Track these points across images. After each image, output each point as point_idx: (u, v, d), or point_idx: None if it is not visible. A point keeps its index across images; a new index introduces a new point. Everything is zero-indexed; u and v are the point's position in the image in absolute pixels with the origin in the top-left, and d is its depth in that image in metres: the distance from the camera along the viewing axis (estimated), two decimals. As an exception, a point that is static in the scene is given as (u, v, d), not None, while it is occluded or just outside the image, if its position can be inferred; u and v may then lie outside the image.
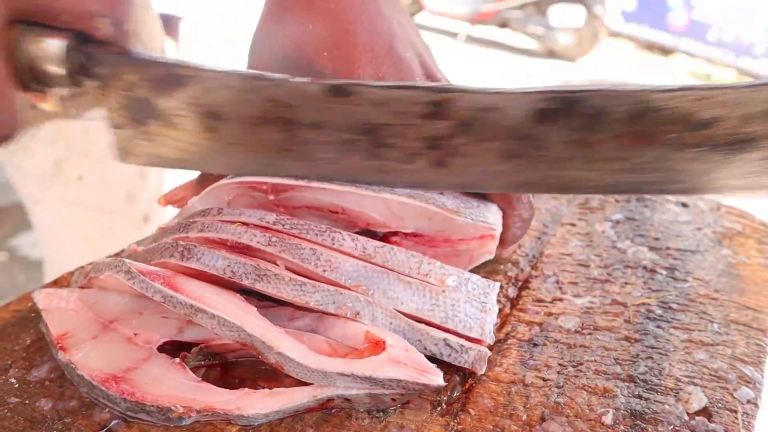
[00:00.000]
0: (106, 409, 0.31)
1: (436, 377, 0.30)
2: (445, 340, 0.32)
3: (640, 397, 0.33)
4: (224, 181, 0.39)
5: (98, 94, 0.38)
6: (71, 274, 0.42)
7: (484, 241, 0.38)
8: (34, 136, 0.73)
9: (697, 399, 0.32)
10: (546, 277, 0.44)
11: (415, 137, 0.36)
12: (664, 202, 0.53)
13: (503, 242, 0.41)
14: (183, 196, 0.44)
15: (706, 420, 0.31)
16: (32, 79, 0.38)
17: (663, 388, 0.33)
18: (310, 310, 0.33)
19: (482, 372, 0.33)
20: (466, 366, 0.33)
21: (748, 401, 0.32)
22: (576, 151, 0.35)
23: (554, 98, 0.34)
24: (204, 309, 0.30)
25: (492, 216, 0.39)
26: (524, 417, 0.32)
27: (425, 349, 0.32)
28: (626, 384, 0.34)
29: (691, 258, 0.45)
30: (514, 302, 0.41)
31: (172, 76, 0.37)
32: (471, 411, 0.32)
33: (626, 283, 0.42)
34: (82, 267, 0.41)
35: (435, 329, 0.33)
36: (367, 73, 0.40)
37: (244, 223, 0.34)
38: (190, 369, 0.32)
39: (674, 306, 0.40)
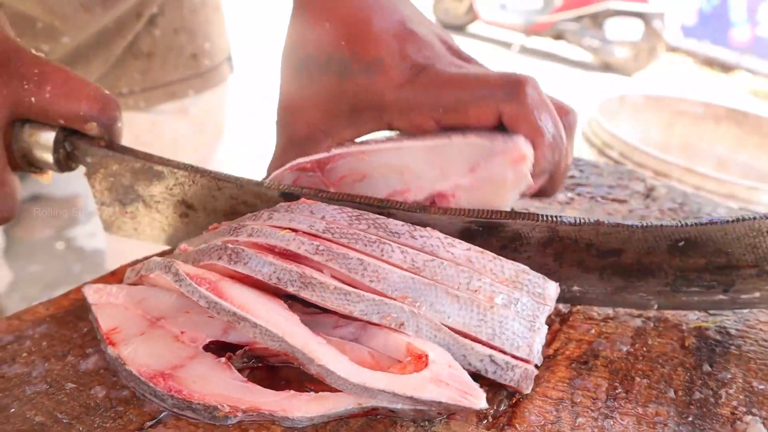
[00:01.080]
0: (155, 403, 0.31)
1: (478, 400, 0.29)
2: (490, 356, 0.32)
3: (693, 424, 0.32)
4: (278, 171, 0.42)
5: (87, 176, 0.44)
6: (130, 265, 0.44)
7: (518, 166, 0.37)
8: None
9: (756, 429, 0.31)
10: (598, 294, 0.42)
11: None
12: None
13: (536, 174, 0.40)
14: None
15: (763, 453, 0.30)
16: (27, 163, 0.43)
17: (719, 417, 0.32)
18: (355, 319, 0.33)
19: (528, 391, 0.33)
20: (512, 384, 0.32)
21: (810, 435, 0.31)
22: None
23: (476, 221, 0.38)
24: (247, 318, 0.30)
25: (522, 142, 0.37)
26: (571, 437, 0.31)
27: (470, 365, 0.32)
28: (680, 410, 0.33)
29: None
30: (564, 318, 0.40)
31: (148, 171, 0.42)
32: (517, 426, 0.32)
33: (681, 306, 0.41)
34: (136, 262, 0.43)
35: (480, 345, 0.32)
36: (388, 52, 0.41)
37: (293, 230, 0.34)
38: (236, 369, 0.32)
39: (732, 332, 0.38)
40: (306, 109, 0.44)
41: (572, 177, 0.58)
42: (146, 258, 0.44)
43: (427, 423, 0.31)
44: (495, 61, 4.23)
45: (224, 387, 0.30)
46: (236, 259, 0.33)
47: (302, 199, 0.37)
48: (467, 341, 0.32)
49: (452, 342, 0.32)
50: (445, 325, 0.33)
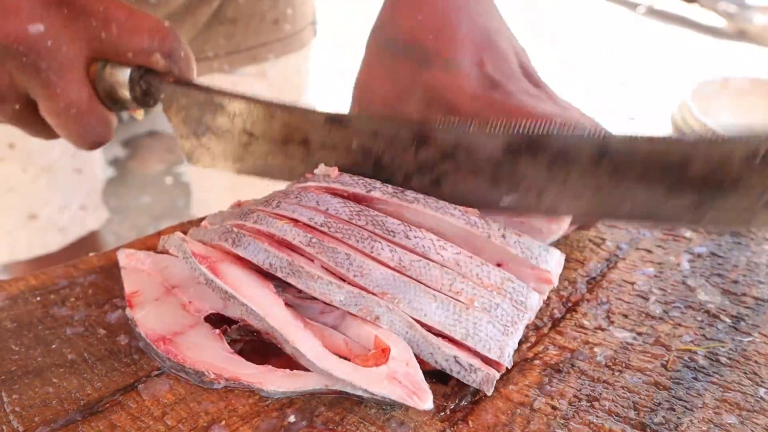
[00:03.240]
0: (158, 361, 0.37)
1: (423, 402, 0.32)
2: (455, 357, 0.34)
3: (643, 447, 0.32)
4: (309, 183, 0.44)
5: (164, 111, 0.47)
6: (199, 221, 0.49)
7: (540, 284, 0.39)
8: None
9: (702, 463, 0.31)
10: (599, 303, 0.43)
11: (408, 162, 0.41)
12: (762, 242, 0.48)
13: None
14: None
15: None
16: (112, 101, 0.47)
17: (671, 444, 0.32)
18: (337, 308, 0.36)
19: (489, 393, 0.35)
20: (474, 385, 0.34)
21: (761, 477, 0.30)
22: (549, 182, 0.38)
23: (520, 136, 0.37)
24: (235, 296, 0.34)
25: (553, 261, 0.39)
26: (518, 440, 0.33)
27: (436, 362, 0.34)
28: (634, 431, 0.33)
29: (765, 311, 0.41)
30: (556, 323, 0.41)
31: (211, 102, 0.46)
32: (470, 423, 0.34)
33: (679, 325, 0.40)
34: (162, 233, 0.48)
35: (447, 345, 0.34)
36: (468, 58, 0.44)
37: (294, 220, 0.38)
38: (231, 341, 0.37)
39: (723, 360, 0.38)
40: (383, 87, 0.47)
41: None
42: (181, 224, 0.50)
43: (389, 407, 0.35)
44: (617, 23, 3.96)
45: (213, 356, 0.35)
46: (237, 243, 0.37)
47: (311, 188, 0.40)
48: (436, 340, 0.34)
49: (422, 339, 0.34)
50: (422, 323, 0.35)
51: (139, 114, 0.50)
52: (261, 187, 0.48)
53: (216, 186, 0.90)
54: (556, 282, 0.38)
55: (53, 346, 0.38)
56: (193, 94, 0.46)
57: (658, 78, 3.05)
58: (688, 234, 0.49)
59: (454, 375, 0.34)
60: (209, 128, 0.47)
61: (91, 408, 0.34)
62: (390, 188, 0.39)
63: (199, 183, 0.95)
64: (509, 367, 0.36)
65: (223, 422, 0.33)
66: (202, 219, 0.47)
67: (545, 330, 0.41)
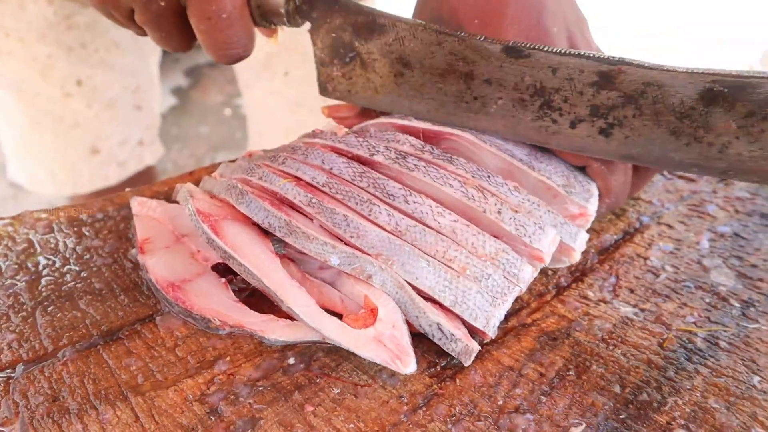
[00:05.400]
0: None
1: (405, 367, 0.33)
2: (438, 324, 0.35)
3: (623, 423, 0.33)
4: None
5: (310, 32, 0.45)
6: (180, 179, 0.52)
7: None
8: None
9: (680, 444, 0.32)
10: (607, 275, 0.43)
11: (583, 104, 0.39)
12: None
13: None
14: (345, 116, 0.49)
15: (669, 466, 0.31)
16: (260, 16, 0.46)
17: (652, 423, 0.33)
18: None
19: (467, 364, 0.36)
20: (453, 354, 0.35)
21: (733, 464, 0.31)
22: (740, 137, 0.36)
23: (722, 81, 0.35)
24: (234, 257, 0.36)
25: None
26: (500, 402, 0.34)
27: (420, 326, 0.36)
28: (618, 406, 0.34)
29: (779, 299, 0.40)
30: (560, 291, 0.42)
31: (371, 24, 0.43)
32: (457, 381, 0.35)
33: (685, 305, 0.40)
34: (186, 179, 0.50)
35: (433, 310, 0.35)
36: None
37: (297, 178, 0.39)
38: (238, 290, 0.39)
39: (722, 344, 0.37)
40: None
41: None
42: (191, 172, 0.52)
43: (381, 358, 0.36)
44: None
45: (219, 304, 0.37)
46: (240, 200, 0.39)
47: (319, 147, 0.41)
48: (423, 304, 0.36)
49: (410, 302, 0.36)
50: (413, 286, 0.36)
51: (275, 41, 0.49)
52: (313, 127, 0.48)
53: (272, 121, 0.91)
54: (548, 261, 0.38)
55: (83, 275, 0.42)
56: (351, 14, 0.43)
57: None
58: (714, 211, 0.48)
59: (435, 341, 0.36)
60: (359, 55, 0.44)
61: (112, 334, 0.38)
62: (393, 153, 0.40)
63: (256, 117, 0.97)
64: (492, 337, 0.37)
65: (228, 358, 0.36)
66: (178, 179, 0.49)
67: (548, 297, 0.41)
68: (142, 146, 0.91)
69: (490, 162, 0.42)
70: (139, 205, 0.44)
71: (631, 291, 0.41)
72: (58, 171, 0.85)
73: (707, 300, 0.40)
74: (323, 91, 0.48)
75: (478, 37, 0.40)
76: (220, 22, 0.43)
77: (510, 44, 0.40)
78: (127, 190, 0.50)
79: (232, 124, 2.44)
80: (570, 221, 0.40)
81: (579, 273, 0.43)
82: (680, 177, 0.51)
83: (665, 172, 0.52)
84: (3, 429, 0.32)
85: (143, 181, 0.94)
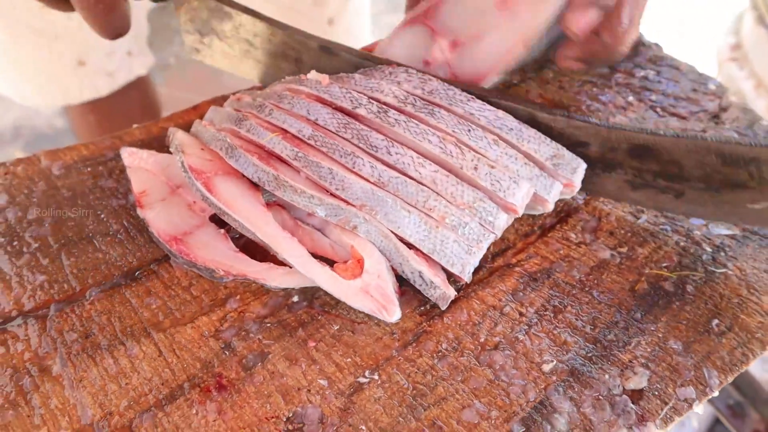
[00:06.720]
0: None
1: (391, 316, 0.36)
2: (420, 272, 0.37)
3: (590, 359, 0.37)
4: (302, 87, 0.47)
5: (175, 7, 0.50)
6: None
7: (507, 211, 0.41)
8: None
9: (638, 381, 0.35)
10: (590, 217, 0.45)
11: None
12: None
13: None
14: None
15: (629, 400, 0.35)
16: None
17: (615, 360, 0.37)
18: (320, 215, 0.40)
19: (443, 308, 0.38)
20: (432, 299, 0.38)
21: (685, 399, 0.35)
22: None
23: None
24: (228, 213, 0.38)
25: (520, 194, 0.40)
26: (482, 339, 0.38)
27: (403, 272, 0.38)
28: (587, 344, 0.38)
29: (750, 244, 0.43)
30: (545, 232, 0.44)
31: (221, 10, 0.50)
32: (445, 319, 0.39)
33: (659, 248, 0.43)
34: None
35: (416, 258, 0.38)
36: None
37: (284, 131, 0.40)
38: (234, 238, 0.42)
39: (689, 288, 0.40)
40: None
41: (644, 78, 0.55)
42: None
43: (376, 298, 0.40)
44: None
45: (221, 255, 0.40)
46: (230, 154, 0.40)
47: (304, 96, 0.43)
48: (407, 252, 0.38)
49: (394, 250, 0.38)
50: (395, 234, 0.38)
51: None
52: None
53: None
54: (521, 212, 0.40)
55: (102, 216, 0.45)
56: (205, 0, 0.51)
57: None
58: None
59: (417, 287, 0.38)
60: (213, 30, 0.52)
61: (131, 275, 0.41)
62: (375, 107, 0.41)
63: None
64: (467, 282, 0.40)
65: (238, 296, 0.40)
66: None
67: (533, 238, 0.44)
68: (131, 56, 0.90)
69: None
70: (130, 156, 0.45)
71: (611, 233, 0.44)
72: (44, 83, 0.85)
73: (681, 244, 0.43)
74: (191, 53, 0.55)
75: (300, 32, 0.49)
76: (99, 10, 0.44)
77: (323, 44, 0.48)
78: (135, 126, 0.52)
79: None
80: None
81: (564, 214, 0.45)
82: (672, 114, 0.52)
83: (658, 109, 0.53)
84: (47, 362, 0.37)
85: (136, 91, 0.94)
